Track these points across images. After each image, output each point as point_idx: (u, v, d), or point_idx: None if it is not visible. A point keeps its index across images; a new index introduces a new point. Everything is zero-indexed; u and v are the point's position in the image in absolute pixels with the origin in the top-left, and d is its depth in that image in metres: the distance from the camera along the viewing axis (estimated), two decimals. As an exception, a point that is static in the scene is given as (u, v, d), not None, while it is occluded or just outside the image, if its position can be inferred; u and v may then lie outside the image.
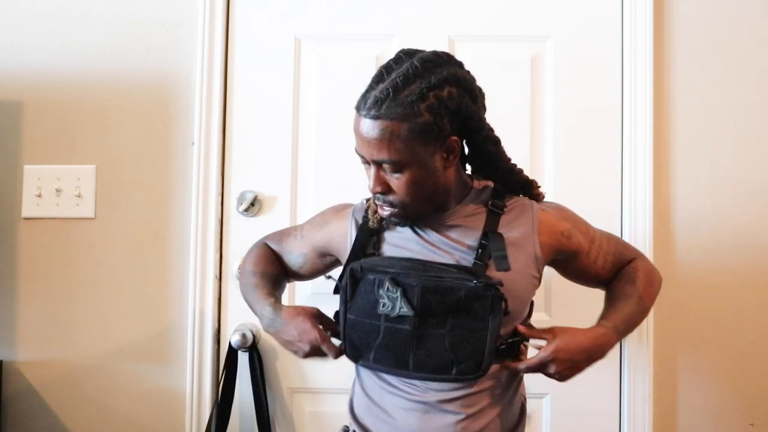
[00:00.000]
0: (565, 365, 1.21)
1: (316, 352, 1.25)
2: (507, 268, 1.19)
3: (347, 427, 1.35)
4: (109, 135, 1.78)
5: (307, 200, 1.76)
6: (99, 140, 1.78)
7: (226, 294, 1.76)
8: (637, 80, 1.73)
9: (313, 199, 1.75)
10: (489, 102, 1.23)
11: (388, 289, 1.17)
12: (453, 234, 1.24)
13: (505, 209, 1.25)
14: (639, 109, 1.73)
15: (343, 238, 1.31)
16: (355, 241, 1.27)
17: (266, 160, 1.78)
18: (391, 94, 1.11)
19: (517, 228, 1.24)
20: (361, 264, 1.20)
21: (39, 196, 1.77)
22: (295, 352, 1.27)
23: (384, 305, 1.18)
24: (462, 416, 1.23)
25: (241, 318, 1.74)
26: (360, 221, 1.29)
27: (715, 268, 1.73)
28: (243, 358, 1.71)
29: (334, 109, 1.76)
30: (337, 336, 1.26)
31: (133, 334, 1.77)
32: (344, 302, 1.22)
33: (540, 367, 1.21)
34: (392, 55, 1.19)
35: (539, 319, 1.68)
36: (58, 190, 1.77)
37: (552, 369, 1.21)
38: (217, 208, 1.76)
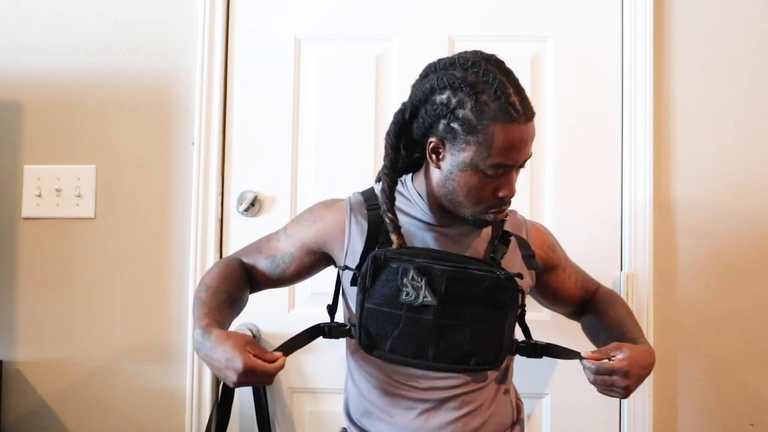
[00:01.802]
0: (634, 379, 1.16)
1: (246, 378, 1.09)
2: (536, 267, 1.22)
3: (345, 429, 1.35)
4: (109, 135, 1.78)
5: (307, 200, 1.75)
6: (99, 140, 1.78)
7: (226, 294, 1.76)
8: (637, 80, 1.73)
9: (313, 199, 1.73)
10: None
11: (412, 278, 1.16)
12: (464, 233, 1.27)
13: (507, 217, 1.30)
14: (639, 109, 1.73)
15: (340, 231, 1.29)
16: (368, 229, 1.25)
17: (266, 160, 1.78)
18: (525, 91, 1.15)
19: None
20: (385, 252, 1.18)
21: (39, 196, 1.77)
22: (225, 379, 1.11)
23: (407, 294, 1.17)
24: (462, 413, 1.24)
25: (241, 318, 1.73)
26: (362, 216, 1.27)
27: (715, 268, 1.73)
28: (243, 358, 1.70)
29: (334, 109, 1.77)
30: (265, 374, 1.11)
31: (134, 334, 1.77)
32: (362, 290, 1.20)
33: (609, 372, 1.16)
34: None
35: (539, 318, 1.69)
36: (58, 190, 1.77)
37: (623, 383, 1.15)
38: (217, 208, 1.76)
